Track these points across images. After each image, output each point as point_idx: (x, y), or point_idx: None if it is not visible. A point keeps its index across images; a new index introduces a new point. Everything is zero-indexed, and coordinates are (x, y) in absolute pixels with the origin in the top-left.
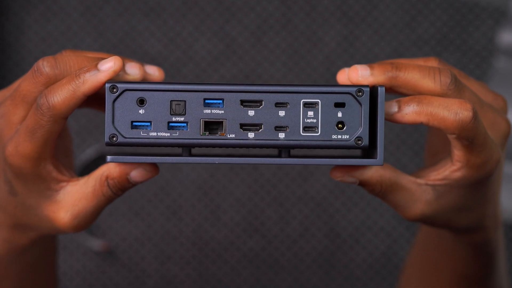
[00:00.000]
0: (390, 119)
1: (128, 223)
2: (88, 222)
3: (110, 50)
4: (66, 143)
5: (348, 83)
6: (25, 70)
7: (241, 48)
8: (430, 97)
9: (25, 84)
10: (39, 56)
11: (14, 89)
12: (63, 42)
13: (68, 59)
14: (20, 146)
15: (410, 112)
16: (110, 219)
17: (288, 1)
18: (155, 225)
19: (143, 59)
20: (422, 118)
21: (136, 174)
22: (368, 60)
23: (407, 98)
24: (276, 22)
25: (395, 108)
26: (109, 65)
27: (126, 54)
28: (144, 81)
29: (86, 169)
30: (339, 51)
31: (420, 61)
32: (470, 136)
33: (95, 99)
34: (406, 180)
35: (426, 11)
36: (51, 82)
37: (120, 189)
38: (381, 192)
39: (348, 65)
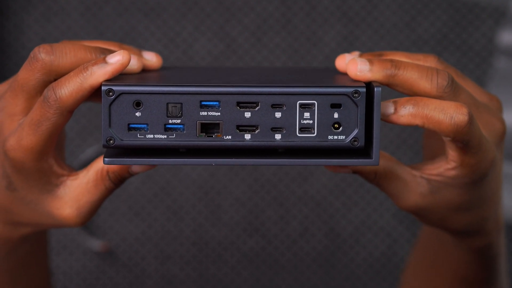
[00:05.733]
0: (386, 120)
1: (128, 223)
2: (92, 214)
3: None
4: (61, 138)
5: (345, 70)
6: None
7: (241, 48)
8: (426, 99)
9: (22, 73)
10: None
11: (12, 81)
12: None
13: (64, 45)
14: (24, 139)
15: (406, 114)
16: (110, 219)
17: (288, 1)
18: (155, 225)
19: None
20: (417, 121)
21: (136, 166)
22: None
23: (403, 99)
24: (276, 22)
25: (391, 110)
26: (117, 58)
27: None
28: (143, 68)
29: None
30: (339, 51)
31: (420, 56)
32: (465, 139)
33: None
34: (402, 169)
35: (426, 11)
36: (47, 69)
37: (120, 181)
38: (375, 180)
39: None
